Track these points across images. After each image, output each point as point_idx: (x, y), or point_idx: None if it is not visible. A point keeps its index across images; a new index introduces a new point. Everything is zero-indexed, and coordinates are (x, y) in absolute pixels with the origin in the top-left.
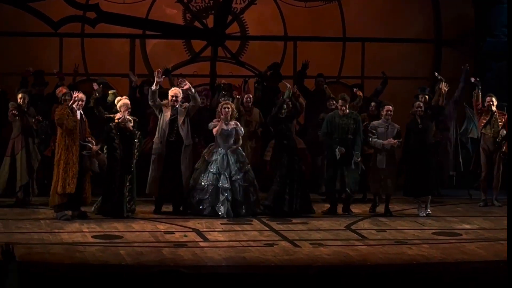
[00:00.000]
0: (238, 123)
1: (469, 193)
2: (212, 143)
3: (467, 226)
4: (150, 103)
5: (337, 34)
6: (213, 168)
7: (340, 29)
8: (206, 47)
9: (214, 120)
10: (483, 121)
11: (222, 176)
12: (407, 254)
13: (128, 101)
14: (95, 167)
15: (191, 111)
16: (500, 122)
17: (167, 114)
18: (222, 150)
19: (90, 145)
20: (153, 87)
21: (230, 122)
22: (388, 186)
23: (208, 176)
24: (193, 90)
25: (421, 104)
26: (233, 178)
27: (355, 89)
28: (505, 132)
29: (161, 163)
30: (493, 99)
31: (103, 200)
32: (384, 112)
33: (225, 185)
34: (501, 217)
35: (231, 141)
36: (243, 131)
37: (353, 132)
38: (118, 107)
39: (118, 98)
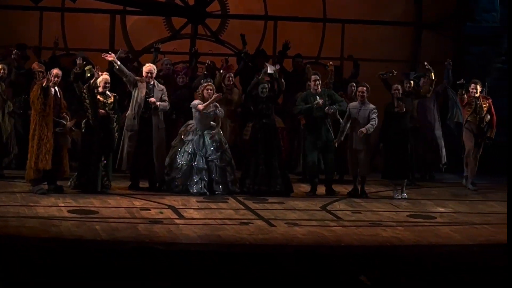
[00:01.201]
0: (218, 105)
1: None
2: (190, 121)
3: (442, 210)
4: (124, 79)
5: (317, 15)
6: (189, 148)
7: (321, 9)
8: (186, 24)
9: (195, 101)
10: (469, 110)
11: (197, 156)
12: (382, 236)
13: (107, 77)
14: (68, 144)
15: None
16: (484, 107)
17: (143, 91)
18: (199, 130)
19: (64, 121)
20: (115, 66)
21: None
22: (361, 167)
23: (183, 155)
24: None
25: (399, 87)
26: (209, 158)
27: (330, 62)
28: (489, 117)
29: (135, 139)
30: (478, 86)
31: (78, 174)
32: (358, 93)
33: (200, 166)
34: (476, 201)
35: (209, 122)
36: (223, 113)
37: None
38: (97, 82)
39: (100, 73)
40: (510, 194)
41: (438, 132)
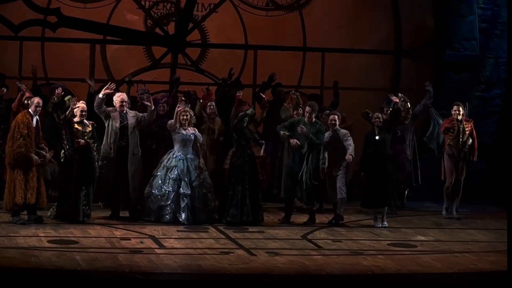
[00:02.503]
0: (196, 129)
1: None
2: (172, 150)
3: (422, 238)
4: (95, 109)
5: (297, 43)
6: (173, 174)
7: (301, 38)
8: (166, 53)
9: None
10: (451, 135)
11: (182, 182)
12: (362, 264)
13: (84, 105)
14: (47, 175)
15: (143, 122)
16: (467, 129)
17: (117, 120)
18: (181, 155)
19: (43, 152)
20: (101, 95)
21: (188, 128)
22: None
23: (169, 182)
24: (153, 107)
25: (380, 115)
26: (194, 184)
27: (292, 92)
28: (471, 140)
29: (111, 168)
30: (460, 108)
31: (58, 204)
32: (329, 122)
33: (186, 191)
34: (456, 230)
35: (190, 146)
36: (201, 138)
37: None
38: (74, 112)
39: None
40: (510, 217)
41: (411, 157)
